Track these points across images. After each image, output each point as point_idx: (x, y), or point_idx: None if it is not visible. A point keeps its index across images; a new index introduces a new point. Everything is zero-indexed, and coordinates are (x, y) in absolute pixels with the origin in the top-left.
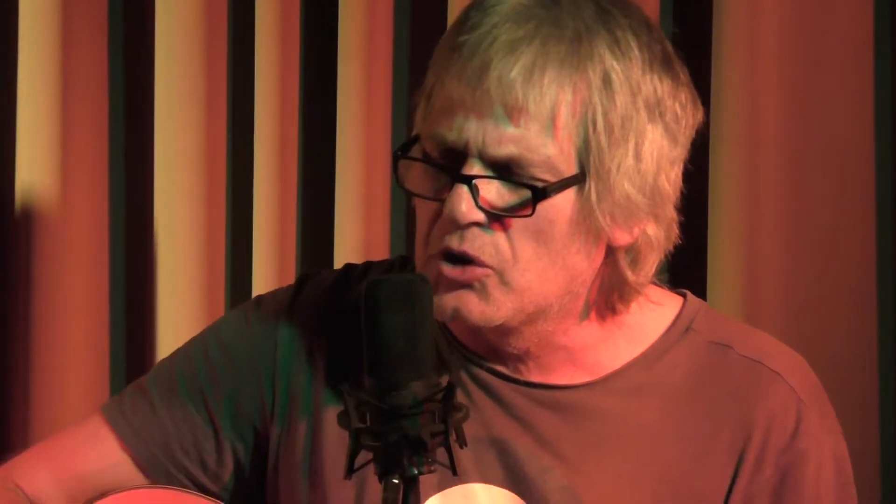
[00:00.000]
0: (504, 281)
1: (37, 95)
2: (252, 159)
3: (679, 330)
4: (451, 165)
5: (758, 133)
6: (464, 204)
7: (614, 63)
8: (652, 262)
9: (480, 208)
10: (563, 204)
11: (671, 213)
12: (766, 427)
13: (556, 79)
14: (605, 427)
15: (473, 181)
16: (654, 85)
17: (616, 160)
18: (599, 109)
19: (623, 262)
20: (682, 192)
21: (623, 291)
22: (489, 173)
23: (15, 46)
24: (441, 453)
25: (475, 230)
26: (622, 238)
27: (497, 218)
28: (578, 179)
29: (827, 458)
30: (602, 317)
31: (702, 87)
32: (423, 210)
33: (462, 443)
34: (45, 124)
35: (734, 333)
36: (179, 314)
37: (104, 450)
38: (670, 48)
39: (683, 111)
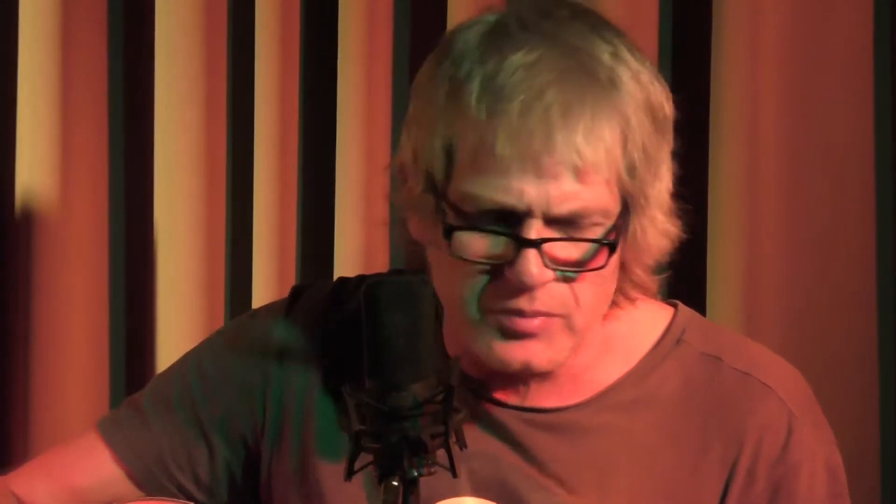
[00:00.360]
0: (569, 325)
1: (37, 97)
2: (252, 161)
3: (670, 341)
4: (507, 227)
5: (757, 134)
6: (535, 268)
7: (640, 95)
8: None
9: (550, 269)
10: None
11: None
12: (758, 440)
13: (610, 130)
14: (597, 445)
15: (542, 245)
16: (658, 99)
17: (653, 189)
18: (639, 145)
19: (637, 270)
20: (681, 194)
21: (632, 296)
22: (553, 232)
23: (15, 48)
24: (441, 456)
25: (543, 288)
26: (638, 258)
27: (566, 274)
28: (626, 217)
29: (820, 469)
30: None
31: (701, 88)
32: (470, 272)
33: (462, 444)
34: (45, 125)
35: (726, 345)
36: (179, 316)
37: (100, 464)
38: None
39: (671, 109)
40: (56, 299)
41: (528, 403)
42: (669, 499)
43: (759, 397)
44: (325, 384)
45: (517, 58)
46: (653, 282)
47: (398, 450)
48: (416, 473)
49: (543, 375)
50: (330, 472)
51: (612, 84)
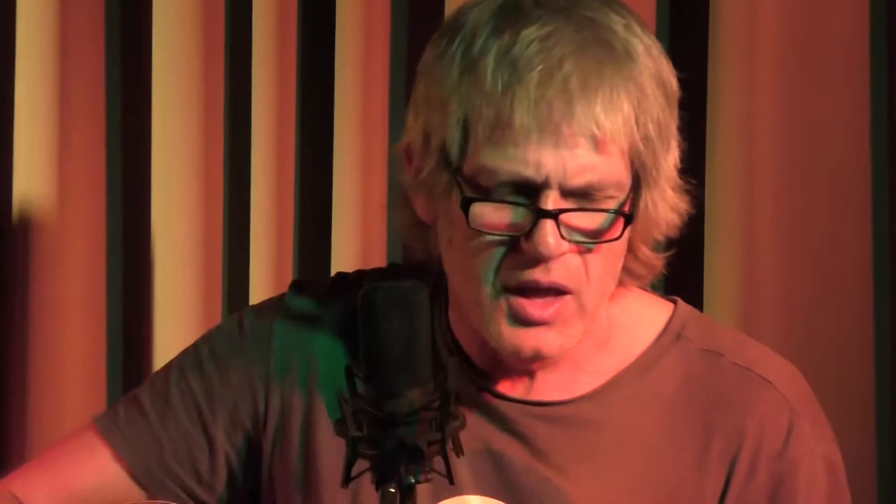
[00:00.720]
0: (580, 303)
1: (34, 104)
2: (249, 166)
3: (670, 336)
4: (525, 199)
5: (754, 135)
6: (551, 238)
7: (653, 68)
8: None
9: (567, 239)
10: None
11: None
12: (758, 435)
13: (628, 101)
14: (599, 438)
15: (560, 215)
16: (668, 74)
17: (664, 163)
18: (653, 118)
19: (643, 247)
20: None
21: (637, 273)
22: (569, 203)
23: (12, 52)
24: (438, 462)
25: (559, 259)
26: (647, 232)
27: (583, 245)
28: (638, 190)
29: (819, 465)
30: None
31: (698, 91)
32: (486, 244)
33: (459, 451)
34: (42, 132)
35: (726, 341)
36: (176, 321)
37: (99, 464)
38: None
39: (677, 85)
40: (53, 307)
41: (532, 396)
42: (670, 493)
43: (759, 392)
44: (323, 381)
45: (532, 31)
46: (657, 259)
47: (395, 456)
48: (412, 480)
49: (548, 364)
50: (335, 470)
51: (628, 56)
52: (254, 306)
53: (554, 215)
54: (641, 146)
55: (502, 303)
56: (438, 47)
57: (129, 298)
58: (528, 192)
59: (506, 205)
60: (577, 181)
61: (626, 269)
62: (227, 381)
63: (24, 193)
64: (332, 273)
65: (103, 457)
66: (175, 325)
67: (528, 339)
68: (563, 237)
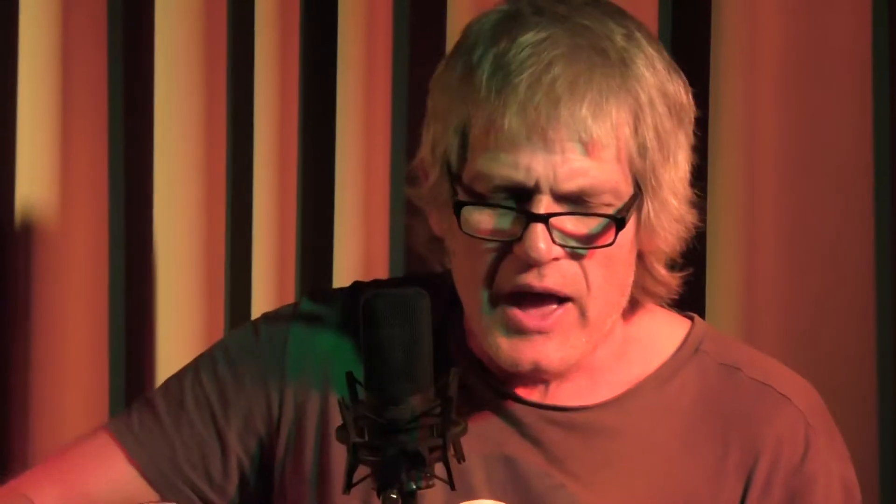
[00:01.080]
0: (581, 311)
1: (36, 108)
2: (251, 171)
3: (689, 350)
4: (517, 203)
5: (757, 142)
6: (542, 242)
7: (654, 79)
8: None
9: (559, 244)
10: (629, 226)
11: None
12: (775, 449)
13: (617, 108)
14: (616, 446)
15: (550, 219)
16: (676, 89)
17: (666, 174)
18: (651, 128)
19: (657, 265)
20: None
21: (652, 291)
22: (562, 208)
23: (15, 56)
24: (440, 468)
25: (552, 264)
26: (653, 245)
27: (574, 251)
28: (638, 198)
29: (836, 482)
30: (614, 328)
31: (700, 96)
32: (481, 251)
33: (460, 457)
34: (44, 136)
35: (743, 356)
36: (178, 326)
37: (112, 466)
38: None
39: (692, 107)
40: (55, 313)
41: (549, 401)
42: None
43: (777, 407)
44: (337, 387)
45: (528, 37)
46: (672, 278)
47: (396, 463)
48: (414, 486)
49: (562, 373)
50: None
51: (623, 63)
52: (269, 312)
53: (544, 219)
54: (637, 155)
55: (498, 313)
56: (446, 61)
57: (132, 303)
58: (521, 197)
59: (499, 210)
60: (568, 186)
61: (641, 287)
62: (241, 386)
63: (26, 197)
64: (334, 279)
65: (116, 459)
66: (177, 331)
67: (526, 351)
68: (554, 242)
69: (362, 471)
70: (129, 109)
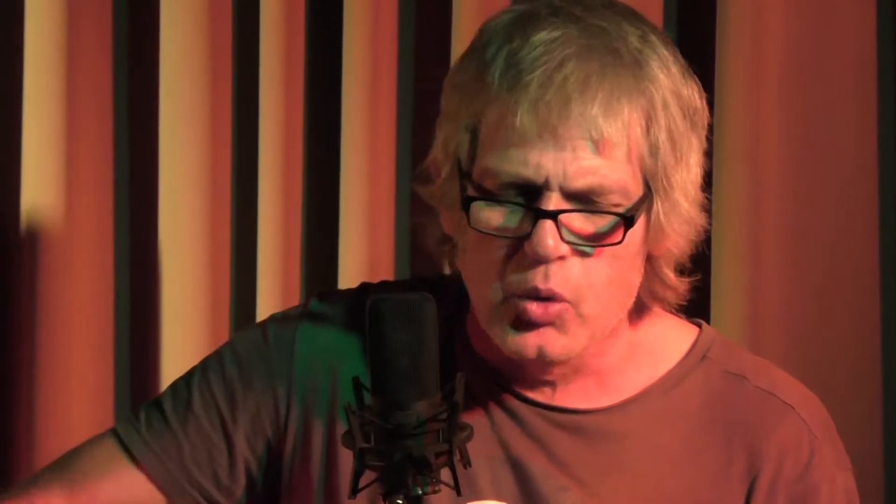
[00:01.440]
0: (579, 312)
1: (41, 115)
2: (256, 176)
3: (696, 357)
4: (526, 201)
5: (761, 147)
6: (550, 239)
7: (667, 81)
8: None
9: (567, 242)
10: (637, 226)
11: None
12: (779, 458)
13: (629, 107)
14: (621, 450)
15: (559, 216)
16: (690, 93)
17: (678, 176)
18: (664, 129)
19: (666, 269)
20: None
21: (661, 296)
22: (570, 205)
23: (20, 64)
24: (446, 473)
25: (558, 264)
26: (662, 247)
27: (582, 249)
28: (648, 199)
29: (839, 492)
30: (621, 332)
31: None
32: (491, 248)
33: (466, 463)
34: (49, 142)
35: (749, 365)
36: (184, 331)
37: (119, 469)
38: None
39: (706, 111)
40: (60, 318)
41: (555, 402)
42: None
43: (782, 416)
44: (345, 390)
45: (541, 36)
46: (681, 283)
47: (402, 468)
48: (420, 491)
49: (568, 374)
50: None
51: (637, 64)
52: (277, 314)
53: (553, 216)
54: (648, 155)
55: (506, 307)
56: (460, 60)
57: (137, 307)
58: (530, 194)
59: (508, 206)
60: (578, 183)
61: (649, 290)
62: (249, 388)
63: (31, 203)
64: (339, 282)
65: (123, 462)
66: (183, 336)
67: (531, 339)
68: (563, 239)
69: (368, 476)
70: (133, 114)
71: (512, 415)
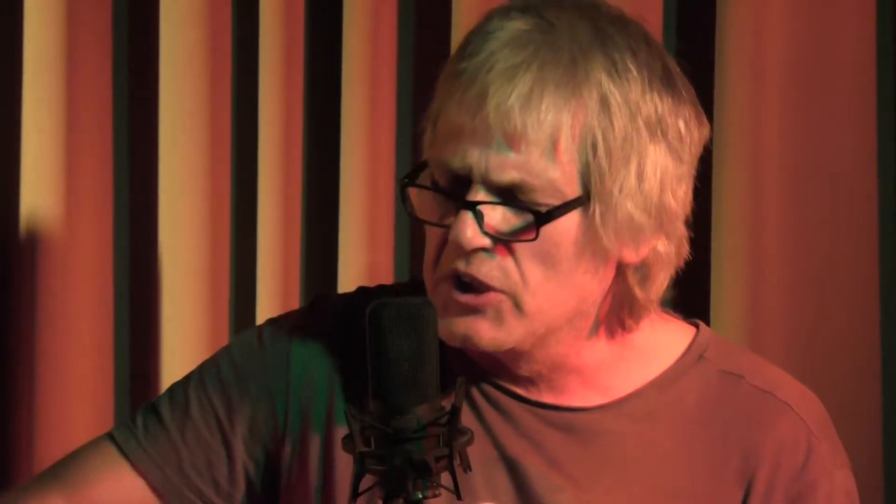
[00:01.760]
0: (517, 305)
1: (41, 115)
2: (256, 178)
3: (692, 357)
4: (457, 192)
5: (761, 150)
6: (469, 230)
7: (611, 85)
8: (662, 278)
9: (485, 234)
10: (567, 226)
11: (681, 230)
12: (776, 457)
13: (553, 104)
14: (616, 449)
15: (478, 207)
16: (655, 104)
17: (618, 181)
18: (599, 132)
19: (632, 279)
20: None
21: (633, 308)
22: (493, 199)
23: (19, 68)
24: (446, 477)
25: (481, 255)
26: (630, 256)
27: (502, 243)
28: (581, 202)
29: (838, 490)
30: (612, 335)
31: (705, 104)
32: (432, 236)
33: (466, 467)
34: (48, 145)
35: (746, 364)
36: (183, 334)
37: (117, 474)
38: (672, 64)
39: (687, 128)
40: (60, 322)
41: (545, 399)
42: None
43: (779, 415)
44: (342, 395)
45: (491, 30)
46: (647, 294)
47: (402, 472)
48: (420, 496)
49: (542, 371)
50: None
51: (573, 62)
52: (274, 318)
53: (471, 206)
54: (582, 157)
55: (439, 292)
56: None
57: (136, 311)
58: (461, 185)
59: (441, 196)
60: (499, 177)
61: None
62: (246, 392)
63: (30, 207)
64: (339, 285)
65: (121, 467)
66: (182, 338)
67: (458, 326)
68: (483, 231)
69: (368, 480)
70: (133, 114)
71: (503, 411)
